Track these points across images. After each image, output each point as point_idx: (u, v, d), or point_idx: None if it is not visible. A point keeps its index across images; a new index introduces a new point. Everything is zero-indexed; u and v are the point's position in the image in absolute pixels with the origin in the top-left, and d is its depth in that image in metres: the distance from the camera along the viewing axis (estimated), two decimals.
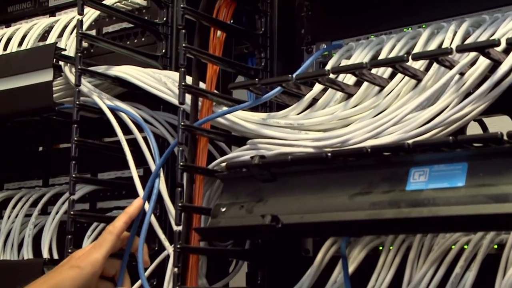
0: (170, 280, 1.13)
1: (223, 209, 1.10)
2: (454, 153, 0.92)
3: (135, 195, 1.26)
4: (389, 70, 1.06)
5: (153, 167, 1.22)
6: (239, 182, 1.11)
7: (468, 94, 0.96)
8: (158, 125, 1.28)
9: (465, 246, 1.03)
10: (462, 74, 0.96)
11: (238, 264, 1.32)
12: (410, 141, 0.94)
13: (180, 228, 1.11)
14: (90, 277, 1.11)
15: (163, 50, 1.34)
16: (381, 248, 1.11)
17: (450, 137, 0.92)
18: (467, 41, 1.01)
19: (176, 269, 1.10)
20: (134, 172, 1.23)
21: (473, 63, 0.96)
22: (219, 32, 1.21)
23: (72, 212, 1.23)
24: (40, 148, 1.65)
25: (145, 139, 1.25)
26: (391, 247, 1.09)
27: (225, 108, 1.16)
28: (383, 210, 0.95)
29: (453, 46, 0.97)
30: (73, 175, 1.23)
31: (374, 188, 0.98)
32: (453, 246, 1.04)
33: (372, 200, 0.96)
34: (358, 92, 1.07)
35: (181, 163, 1.12)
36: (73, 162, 1.23)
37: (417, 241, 1.07)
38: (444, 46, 1.02)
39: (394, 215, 0.93)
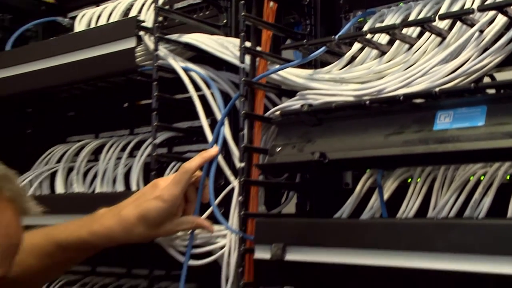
0: (236, 207, 1.13)
1: (278, 149, 1.08)
2: (474, 97, 0.90)
3: (204, 140, 1.26)
4: (418, 29, 1.02)
5: (218, 116, 1.21)
6: (291, 127, 1.09)
7: (486, 49, 0.92)
8: (222, 83, 1.26)
9: (482, 178, 1.01)
10: (481, 31, 0.92)
11: (290, 195, 1.30)
12: (436, 89, 0.92)
13: (243, 165, 1.10)
14: (171, 210, 1.11)
15: (224, 21, 1.31)
16: (409, 180, 1.09)
17: (472, 84, 0.90)
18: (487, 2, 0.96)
19: (240, 198, 1.10)
20: (204, 121, 1.23)
21: (491, 21, 0.92)
22: (271, 3, 1.18)
23: (155, 153, 1.24)
24: (126, 104, 1.65)
25: (211, 94, 1.24)
26: (418, 179, 1.07)
27: (277, 66, 1.14)
28: (414, 146, 0.93)
29: (474, 6, 0.93)
30: (155, 123, 1.23)
31: (405, 129, 0.95)
32: (471, 177, 1.01)
33: (404, 139, 0.94)
34: (390, 49, 1.04)
35: (243, 112, 1.11)
36: (155, 112, 1.23)
37: (441, 173, 1.05)
38: (465, 7, 0.97)
39: (423, 150, 0.91)
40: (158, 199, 1.10)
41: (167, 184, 1.12)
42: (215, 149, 1.16)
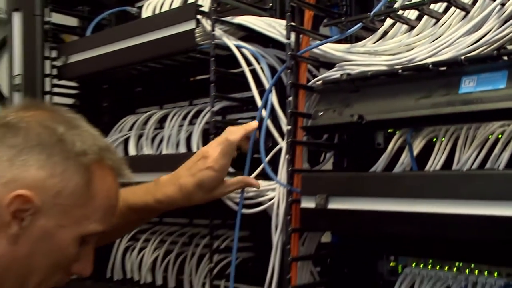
0: (284, 165, 1.12)
1: (320, 113, 1.07)
2: (496, 63, 0.87)
3: (253, 109, 1.25)
4: (444, 5, 0.98)
5: (267, 86, 1.19)
6: (331, 94, 1.08)
7: (506, 21, 0.88)
8: (269, 58, 1.24)
9: (499, 136, 0.97)
10: (503, 4, 0.88)
11: (327, 156, 1.28)
12: (461, 57, 0.89)
13: (289, 127, 1.09)
14: (222, 176, 1.11)
15: (270, 4, 1.28)
16: (434, 139, 1.07)
17: (494, 51, 0.87)
18: None
19: (288, 156, 1.09)
20: (255, 91, 1.21)
21: None
22: None
23: (213, 119, 1.24)
24: (185, 80, 1.64)
25: (260, 68, 1.22)
26: (443, 139, 1.04)
27: (318, 42, 1.11)
28: (441, 108, 0.91)
29: None
30: (213, 93, 1.23)
31: (433, 93, 0.93)
32: (490, 136, 0.98)
33: (432, 102, 0.93)
34: (419, 24, 1.01)
35: (290, 82, 1.09)
36: (212, 84, 1.23)
37: (463, 132, 1.02)
38: None
39: (450, 111, 0.90)
40: (211, 169, 1.10)
41: (216, 155, 1.10)
42: (255, 123, 1.15)
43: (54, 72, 1.64)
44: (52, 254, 0.81)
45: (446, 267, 1.08)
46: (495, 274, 1.02)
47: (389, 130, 1.16)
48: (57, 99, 1.67)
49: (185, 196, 1.11)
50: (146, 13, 1.53)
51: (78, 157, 0.81)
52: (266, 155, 1.15)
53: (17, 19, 1.61)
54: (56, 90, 1.66)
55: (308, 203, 1.03)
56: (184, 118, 1.45)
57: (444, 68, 0.92)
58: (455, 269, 1.07)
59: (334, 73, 1.08)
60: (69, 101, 1.76)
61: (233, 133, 1.12)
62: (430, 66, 0.92)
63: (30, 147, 0.79)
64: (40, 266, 0.81)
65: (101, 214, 0.85)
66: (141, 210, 1.14)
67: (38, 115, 0.83)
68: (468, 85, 0.89)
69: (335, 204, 1.00)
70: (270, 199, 1.16)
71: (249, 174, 1.19)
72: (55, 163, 0.79)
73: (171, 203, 1.13)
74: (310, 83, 1.12)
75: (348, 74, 1.03)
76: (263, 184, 1.17)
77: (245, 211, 1.18)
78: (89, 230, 0.83)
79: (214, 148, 1.12)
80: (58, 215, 0.80)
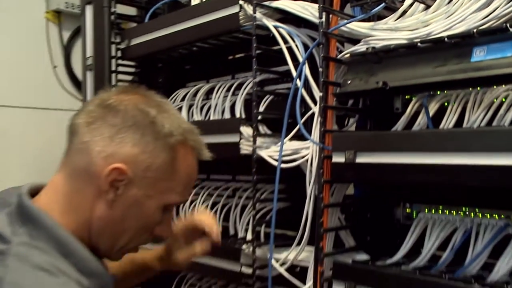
0: (316, 125, 1.13)
1: (349, 82, 1.08)
2: (505, 34, 0.86)
3: (288, 81, 1.24)
4: None
5: (301, 60, 1.19)
6: (358, 65, 1.08)
7: None
8: (302, 36, 1.24)
9: (503, 99, 0.96)
10: None
11: (350, 121, 1.27)
12: (473, 30, 0.88)
13: (321, 94, 1.09)
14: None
15: None
16: (446, 104, 1.05)
17: (504, 24, 0.85)
18: None
19: (320, 119, 1.09)
20: (291, 64, 1.21)
21: None
22: None
23: (256, 89, 1.25)
24: (228, 57, 1.65)
25: (295, 46, 1.21)
26: (454, 103, 1.03)
27: (345, 21, 1.11)
28: (455, 74, 0.91)
29: None
30: (255, 67, 1.23)
31: (448, 62, 0.93)
32: (495, 100, 0.98)
33: (447, 69, 0.92)
34: (435, 3, 1.00)
35: (322, 55, 1.09)
36: (254, 58, 1.23)
37: (472, 97, 1.01)
38: None
39: (463, 77, 0.90)
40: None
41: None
42: (216, 231, 1.02)
43: (119, 54, 1.67)
44: (140, 219, 0.82)
45: (454, 212, 1.08)
46: (496, 216, 1.02)
47: (406, 97, 1.16)
48: (121, 77, 1.70)
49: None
50: (194, 1, 1.53)
51: (166, 138, 0.80)
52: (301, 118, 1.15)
53: (89, 11, 1.67)
54: (120, 69, 1.69)
55: (338, 158, 1.04)
56: (228, 90, 1.46)
57: (458, 40, 0.92)
58: (462, 213, 1.07)
59: (360, 47, 1.07)
60: (130, 78, 1.79)
61: (201, 216, 1.04)
62: (445, 39, 0.91)
63: (127, 127, 0.79)
64: (130, 228, 0.82)
65: (182, 188, 0.85)
66: (141, 268, 1.10)
67: (135, 99, 0.82)
68: (479, 55, 0.89)
69: (362, 159, 1.00)
70: (303, 156, 1.17)
71: (286, 136, 1.20)
72: (147, 142, 0.79)
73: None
74: (339, 56, 1.12)
75: (373, 48, 1.03)
76: (298, 144, 1.18)
77: (283, 165, 1.19)
78: (171, 200, 0.84)
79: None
80: (146, 186, 0.80)
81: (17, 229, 0.75)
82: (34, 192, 0.83)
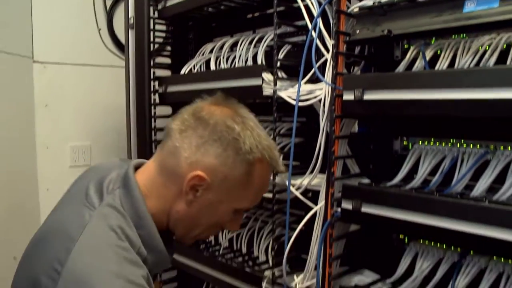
0: (329, 69, 1.14)
1: (357, 31, 1.10)
2: None
3: (303, 34, 1.24)
4: None
5: (315, 15, 1.19)
6: (365, 17, 1.10)
7: None
8: None
9: (487, 47, 0.99)
10: None
11: (355, 69, 1.26)
12: None
13: (333, 42, 1.10)
14: None
15: None
16: (439, 52, 1.09)
17: None
18: None
19: (332, 63, 1.11)
20: (306, 17, 1.22)
21: None
22: None
23: (277, 39, 1.26)
24: (249, 15, 1.66)
25: (311, 3, 1.21)
26: (446, 51, 1.07)
27: None
28: (450, 23, 0.94)
29: None
30: (276, 20, 1.25)
31: (443, 13, 0.96)
32: (480, 47, 1.01)
33: (443, 19, 0.95)
34: None
35: (335, 9, 1.11)
36: (275, 13, 1.24)
37: (461, 45, 1.05)
38: None
39: (456, 25, 0.93)
40: None
41: None
42: None
43: (156, 15, 1.70)
44: (212, 218, 0.86)
45: (444, 143, 1.12)
46: (478, 146, 1.06)
47: (405, 46, 1.19)
48: (157, 34, 1.73)
49: None
50: None
51: (246, 154, 0.81)
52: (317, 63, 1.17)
53: None
54: (157, 27, 1.72)
55: (348, 96, 1.07)
56: (250, 43, 1.48)
57: None
58: (450, 144, 1.11)
59: (367, 2, 1.09)
60: (164, 35, 1.82)
61: None
62: None
63: (213, 140, 0.81)
64: (202, 224, 0.86)
65: (253, 197, 0.86)
66: None
67: (225, 112, 0.83)
68: (469, 6, 0.92)
69: (369, 96, 1.03)
70: (316, 97, 1.19)
71: (302, 78, 1.21)
72: (228, 156, 0.81)
73: None
74: (348, 10, 1.14)
75: (379, 2, 1.05)
76: (312, 86, 1.21)
77: (301, 104, 1.22)
78: (241, 206, 0.86)
79: None
80: (221, 193, 0.82)
81: (115, 189, 0.82)
82: (137, 167, 0.87)
